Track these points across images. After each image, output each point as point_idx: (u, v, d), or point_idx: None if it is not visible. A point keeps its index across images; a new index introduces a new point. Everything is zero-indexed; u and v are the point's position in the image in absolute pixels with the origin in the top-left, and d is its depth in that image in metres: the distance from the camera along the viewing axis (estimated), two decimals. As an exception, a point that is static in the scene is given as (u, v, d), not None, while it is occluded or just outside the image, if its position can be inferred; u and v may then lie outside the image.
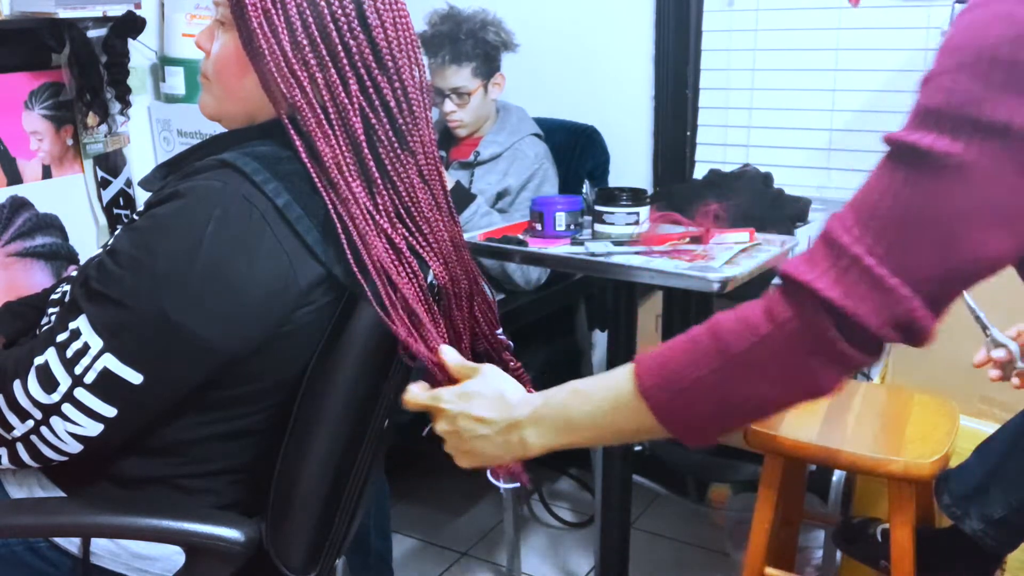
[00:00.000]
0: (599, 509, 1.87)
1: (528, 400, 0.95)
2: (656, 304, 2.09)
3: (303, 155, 1.03)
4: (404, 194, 1.08)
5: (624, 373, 0.87)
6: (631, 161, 2.50)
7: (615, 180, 2.46)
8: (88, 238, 2.16)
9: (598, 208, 1.73)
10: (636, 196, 1.75)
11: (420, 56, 1.12)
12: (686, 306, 1.91)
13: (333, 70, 1.03)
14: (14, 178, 2.02)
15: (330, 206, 1.03)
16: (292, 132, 1.04)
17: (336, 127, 1.04)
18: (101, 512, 1.08)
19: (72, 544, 1.13)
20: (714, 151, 2.45)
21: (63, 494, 1.14)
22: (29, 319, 1.31)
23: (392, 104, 1.06)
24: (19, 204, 2.03)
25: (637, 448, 1.93)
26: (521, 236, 1.77)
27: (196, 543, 1.06)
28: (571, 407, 0.92)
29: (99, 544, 1.12)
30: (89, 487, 1.12)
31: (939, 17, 2.11)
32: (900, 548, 1.61)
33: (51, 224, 2.10)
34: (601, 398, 0.90)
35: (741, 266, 1.55)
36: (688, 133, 2.46)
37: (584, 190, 2.40)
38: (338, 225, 1.02)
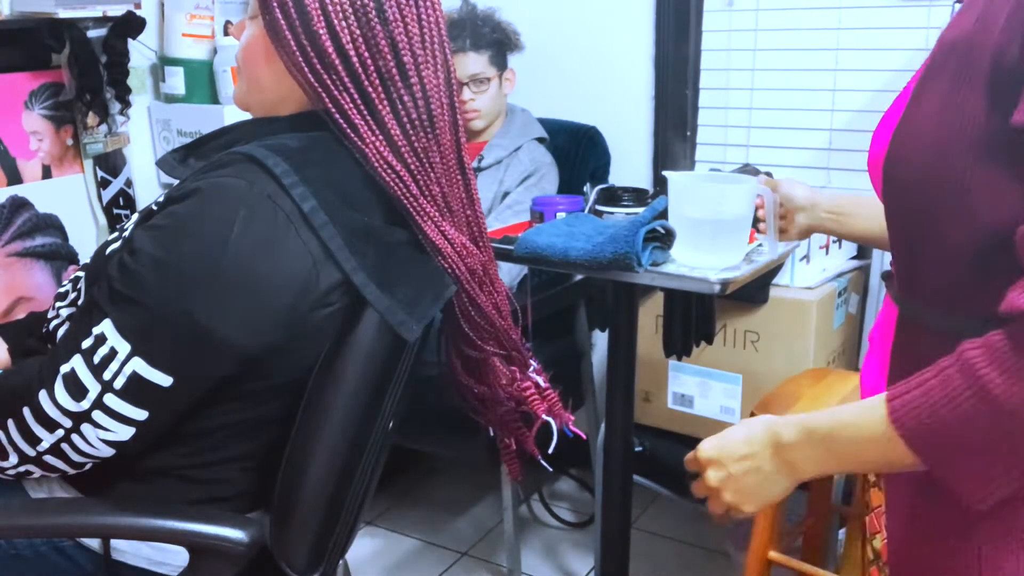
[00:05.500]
0: (599, 509, 1.87)
1: (788, 423, 0.92)
2: (656, 304, 2.09)
3: (354, 139, 1.04)
4: (438, 181, 1.10)
5: (877, 405, 0.84)
6: (631, 161, 2.50)
7: (615, 180, 2.46)
8: (88, 238, 2.16)
9: (599, 208, 1.73)
10: (637, 196, 1.75)
11: (447, 47, 1.12)
12: (686, 306, 1.91)
13: (354, 57, 1.03)
14: (14, 178, 2.02)
15: (396, 191, 1.06)
16: (340, 119, 1.04)
17: (366, 115, 1.04)
18: (105, 513, 1.08)
19: (94, 541, 1.13)
20: (714, 151, 2.46)
21: (78, 492, 1.14)
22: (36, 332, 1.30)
23: (416, 88, 1.06)
24: (19, 204, 2.03)
25: (637, 448, 1.93)
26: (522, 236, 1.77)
27: (200, 543, 1.06)
28: (837, 436, 0.88)
29: (120, 540, 1.12)
30: (101, 481, 1.12)
31: (939, 17, 2.11)
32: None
33: (51, 224, 2.10)
34: (858, 429, 0.86)
35: (741, 267, 1.55)
36: (688, 133, 2.46)
37: (585, 190, 2.40)
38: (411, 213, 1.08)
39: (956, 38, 0.85)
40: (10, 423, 1.03)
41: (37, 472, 1.07)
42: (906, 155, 0.88)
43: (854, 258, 2.24)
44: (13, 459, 1.05)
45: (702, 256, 1.52)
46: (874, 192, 1.00)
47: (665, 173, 1.53)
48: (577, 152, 2.43)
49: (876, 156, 0.95)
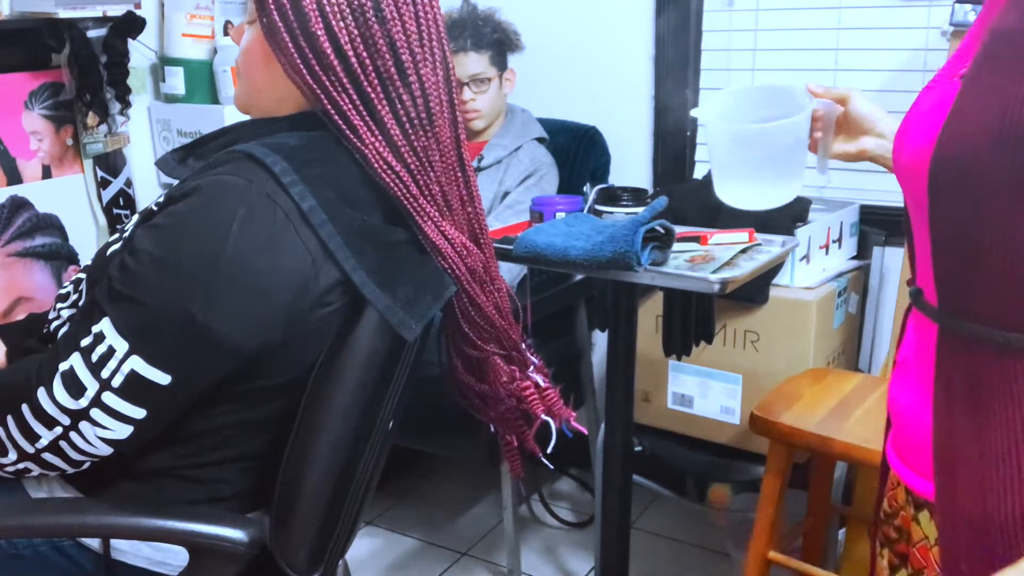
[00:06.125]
0: (599, 509, 1.87)
1: None
2: (656, 304, 2.09)
3: (354, 140, 1.04)
4: (438, 180, 1.10)
5: None
6: (631, 161, 2.51)
7: (615, 180, 2.46)
8: (88, 238, 2.16)
9: (599, 208, 1.73)
10: (637, 196, 1.76)
11: (446, 44, 1.12)
12: (686, 307, 1.91)
13: (353, 57, 1.03)
14: (14, 178, 2.02)
15: (395, 192, 1.06)
16: (339, 120, 1.04)
17: (365, 116, 1.04)
18: (105, 513, 1.08)
19: (94, 541, 1.13)
20: (714, 151, 2.45)
21: (78, 492, 1.14)
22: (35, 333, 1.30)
23: (415, 87, 1.06)
24: (19, 204, 2.03)
25: (637, 448, 1.93)
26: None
27: (200, 543, 1.07)
28: None
29: (120, 540, 1.12)
30: (101, 481, 1.12)
31: (939, 17, 2.11)
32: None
33: (51, 224, 2.10)
34: None
35: (741, 267, 1.54)
36: (688, 133, 2.46)
37: (585, 190, 2.40)
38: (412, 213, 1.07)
39: (1009, 29, 0.81)
40: (9, 420, 1.03)
41: (36, 470, 1.07)
42: (965, 152, 0.79)
43: (854, 258, 2.24)
44: (12, 456, 1.05)
45: (758, 191, 1.35)
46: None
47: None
48: (577, 152, 2.43)
49: (914, 159, 0.86)
